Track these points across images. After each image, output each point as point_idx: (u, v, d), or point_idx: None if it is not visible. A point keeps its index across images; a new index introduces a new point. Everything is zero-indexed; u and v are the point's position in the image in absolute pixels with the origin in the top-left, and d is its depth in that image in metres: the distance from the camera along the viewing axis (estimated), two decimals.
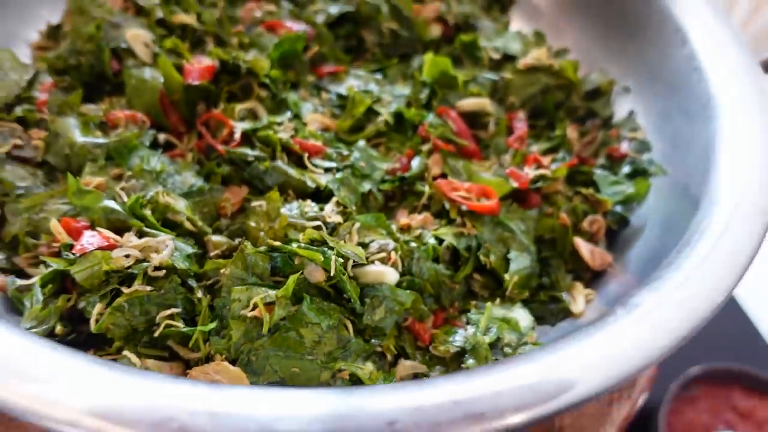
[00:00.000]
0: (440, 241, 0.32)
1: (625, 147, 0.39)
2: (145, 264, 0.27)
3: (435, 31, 0.45)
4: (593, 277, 0.34)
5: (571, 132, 0.40)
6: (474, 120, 0.39)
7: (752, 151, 0.30)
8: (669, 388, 0.61)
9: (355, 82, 0.41)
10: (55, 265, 0.27)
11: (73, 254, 0.27)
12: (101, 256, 0.26)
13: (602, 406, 0.31)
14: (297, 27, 0.42)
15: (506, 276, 0.31)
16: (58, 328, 0.26)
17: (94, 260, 0.26)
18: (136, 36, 0.38)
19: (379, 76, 0.42)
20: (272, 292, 0.27)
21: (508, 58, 0.42)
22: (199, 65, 0.37)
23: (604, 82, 0.44)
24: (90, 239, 0.27)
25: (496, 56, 0.42)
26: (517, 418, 0.18)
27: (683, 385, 0.62)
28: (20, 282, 0.27)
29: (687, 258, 0.24)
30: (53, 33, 0.42)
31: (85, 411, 0.17)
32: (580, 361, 0.20)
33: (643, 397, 0.34)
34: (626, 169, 0.38)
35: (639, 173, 0.37)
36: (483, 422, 0.18)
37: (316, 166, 0.34)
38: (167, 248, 0.28)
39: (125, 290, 0.26)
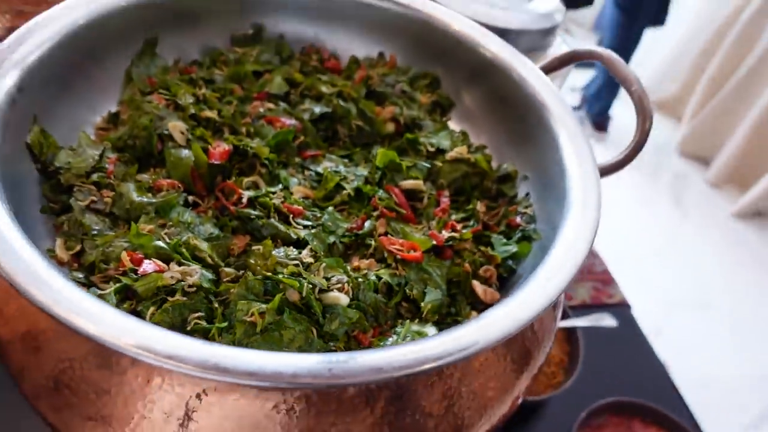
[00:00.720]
0: (380, 278, 0.46)
1: (519, 219, 0.55)
2: (183, 283, 0.41)
3: (390, 127, 0.62)
4: (485, 308, 0.49)
5: (481, 207, 0.55)
6: (412, 195, 0.55)
7: (581, 231, 0.45)
8: (580, 415, 0.75)
9: (329, 164, 0.57)
10: (125, 281, 0.41)
11: (136, 275, 0.41)
12: (155, 276, 0.41)
13: (482, 399, 0.45)
14: (289, 122, 0.59)
15: (423, 304, 0.46)
16: None
17: (150, 279, 0.41)
18: (175, 126, 0.54)
19: (346, 160, 0.58)
20: (264, 306, 0.41)
21: (440, 151, 0.59)
22: (219, 149, 0.53)
23: (512, 171, 0.60)
24: (148, 265, 0.41)
25: (432, 149, 0.59)
26: (400, 372, 0.33)
27: (592, 413, 0.75)
28: (99, 292, 0.41)
29: (521, 293, 0.40)
30: (112, 118, 0.57)
31: (164, 354, 0.31)
32: (440, 347, 0.34)
33: (519, 401, 0.48)
34: (518, 234, 0.54)
35: (525, 238, 0.53)
36: (380, 373, 0.32)
37: (297, 223, 0.49)
38: (197, 274, 0.42)
39: (170, 299, 0.40)
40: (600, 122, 3.03)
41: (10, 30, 0.79)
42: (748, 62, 2.74)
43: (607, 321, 0.83)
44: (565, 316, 0.83)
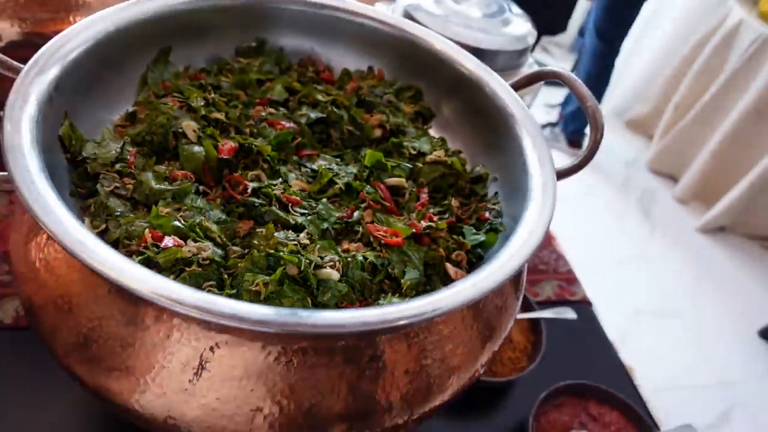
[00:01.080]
0: (366, 259, 0.54)
1: (487, 214, 0.63)
2: (198, 256, 0.48)
3: (377, 132, 0.70)
4: None
5: (455, 203, 0.63)
6: (396, 191, 0.63)
7: (538, 223, 0.53)
8: (540, 395, 0.83)
9: (323, 162, 0.64)
10: (148, 254, 0.48)
11: (157, 249, 0.48)
12: (175, 250, 0.48)
13: (451, 363, 0.52)
14: (288, 125, 0.66)
15: (403, 281, 0.54)
16: None
17: (170, 252, 0.48)
18: (188, 125, 0.61)
19: (338, 160, 0.66)
20: (267, 278, 0.49)
21: (421, 154, 0.67)
22: (227, 146, 0.60)
23: (483, 173, 0.68)
24: (168, 241, 0.48)
25: (414, 152, 0.67)
26: (383, 325, 0.40)
27: (551, 394, 0.83)
28: None
29: (485, 269, 0.47)
30: (129, 117, 0.64)
31: (192, 305, 0.38)
32: (417, 308, 0.42)
33: (482, 371, 0.56)
34: (487, 227, 0.62)
35: (492, 230, 0.61)
36: (367, 326, 0.40)
37: (295, 211, 0.57)
38: (210, 249, 0.49)
39: (187, 269, 0.47)
40: (574, 140, 3.16)
41: (28, 35, 0.86)
42: (711, 90, 2.91)
43: (569, 314, 0.91)
44: (531, 309, 0.92)
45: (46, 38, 0.83)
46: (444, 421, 0.81)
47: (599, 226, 2.82)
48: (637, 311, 2.43)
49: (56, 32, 0.81)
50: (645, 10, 2.84)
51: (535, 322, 0.90)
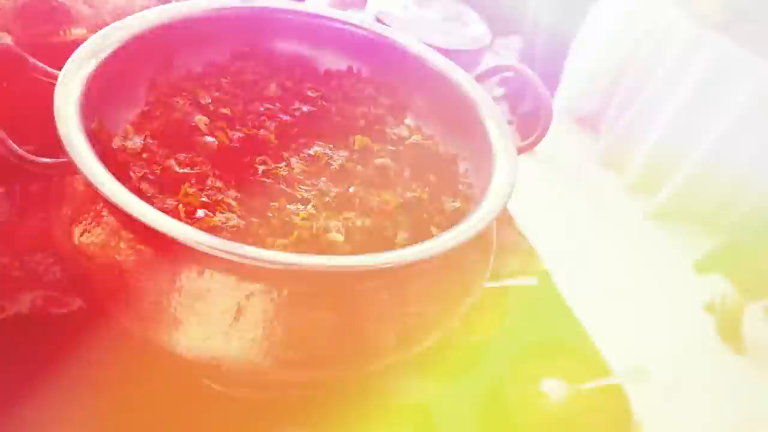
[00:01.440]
0: (364, 224, 0.64)
1: (461, 187, 0.74)
2: (227, 225, 0.58)
3: (362, 123, 0.80)
4: None
5: (434, 178, 0.75)
6: (382, 170, 0.74)
7: (501, 191, 0.65)
8: (512, 351, 0.94)
9: (318, 148, 0.74)
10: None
11: (191, 221, 0.57)
12: (208, 220, 0.57)
13: (435, 307, 0.63)
14: (285, 117, 0.76)
15: (396, 241, 0.64)
16: None
17: (204, 221, 0.56)
18: (201, 119, 0.70)
19: (331, 146, 0.76)
20: (285, 241, 0.58)
21: (401, 139, 0.78)
22: (236, 136, 0.69)
23: (455, 153, 0.80)
24: (201, 213, 0.58)
25: (395, 138, 0.78)
26: (379, 267, 0.51)
27: (521, 349, 0.96)
28: None
29: (458, 228, 0.58)
30: (143, 115, 0.73)
31: (238, 254, 0.47)
32: (410, 255, 0.53)
33: (457, 323, 0.67)
34: (461, 196, 0.73)
35: (466, 199, 0.72)
36: (368, 267, 0.50)
37: (300, 188, 0.67)
38: (235, 219, 0.59)
39: (218, 236, 0.57)
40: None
41: (32, 47, 0.92)
42: (650, 87, 3.13)
43: (530, 281, 1.04)
44: (499, 279, 1.04)
45: (48, 50, 0.91)
46: (425, 376, 0.91)
47: (553, 218, 3.00)
48: (591, 295, 2.61)
49: (59, 44, 0.89)
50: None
51: (501, 289, 1.02)
